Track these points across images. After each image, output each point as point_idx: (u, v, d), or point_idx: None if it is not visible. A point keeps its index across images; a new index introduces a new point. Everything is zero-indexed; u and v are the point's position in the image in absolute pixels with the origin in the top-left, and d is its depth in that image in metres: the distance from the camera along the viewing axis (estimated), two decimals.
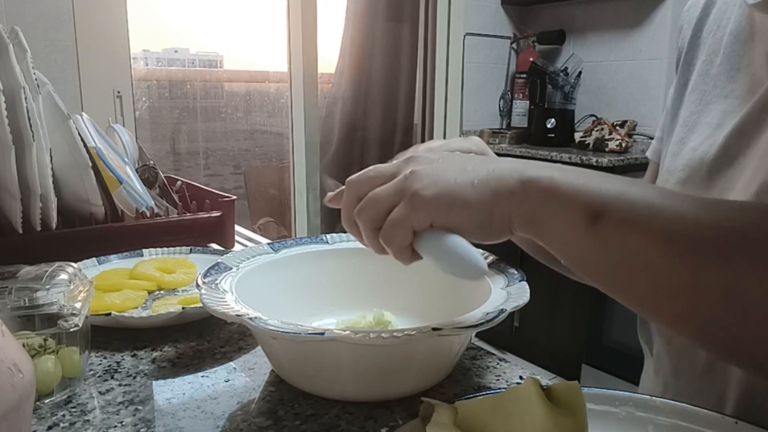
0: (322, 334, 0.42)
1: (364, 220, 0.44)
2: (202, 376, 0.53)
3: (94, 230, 0.85)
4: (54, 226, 0.81)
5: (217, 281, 0.53)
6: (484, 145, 0.53)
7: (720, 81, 0.56)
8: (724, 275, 0.35)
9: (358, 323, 0.60)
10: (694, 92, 0.59)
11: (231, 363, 0.56)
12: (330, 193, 0.49)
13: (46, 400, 0.49)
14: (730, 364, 0.50)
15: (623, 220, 0.38)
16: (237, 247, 0.97)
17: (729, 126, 0.52)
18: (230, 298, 0.49)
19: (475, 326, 0.44)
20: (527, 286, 0.52)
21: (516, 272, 0.55)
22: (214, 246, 0.93)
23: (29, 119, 0.75)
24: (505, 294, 0.51)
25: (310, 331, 0.42)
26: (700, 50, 0.60)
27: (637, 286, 0.39)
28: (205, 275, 0.54)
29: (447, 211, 0.42)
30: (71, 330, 0.49)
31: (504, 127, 2.89)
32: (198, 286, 0.51)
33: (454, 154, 0.46)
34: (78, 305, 0.50)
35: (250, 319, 0.44)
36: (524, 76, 2.73)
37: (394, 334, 0.42)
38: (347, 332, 0.42)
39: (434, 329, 0.43)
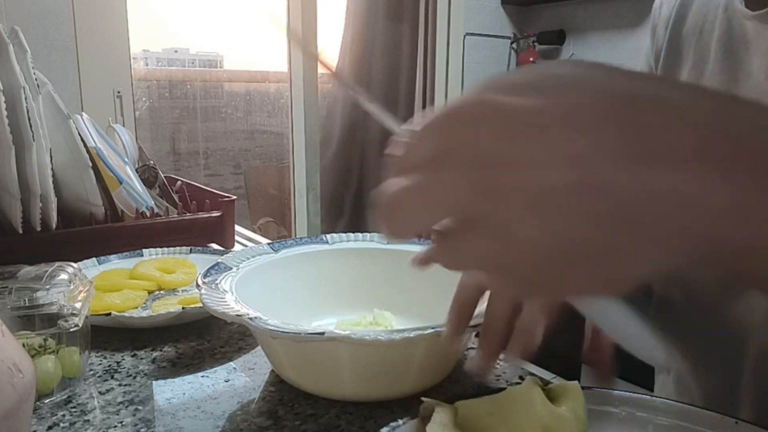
0: (322, 334, 0.42)
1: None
2: (202, 376, 0.54)
3: (94, 230, 0.85)
4: (54, 226, 0.81)
5: (217, 281, 0.53)
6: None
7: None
8: None
9: (358, 323, 0.60)
10: None
11: (231, 363, 0.56)
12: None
13: (46, 400, 0.49)
14: None
15: None
16: (237, 247, 0.97)
17: None
18: (230, 298, 0.49)
19: (475, 326, 0.44)
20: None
21: None
22: (214, 246, 0.93)
23: (29, 119, 0.75)
24: None
25: (310, 331, 0.42)
26: (683, 56, 0.57)
27: None
28: (205, 275, 0.54)
29: (584, 288, 0.27)
30: (71, 330, 0.49)
31: None
32: (198, 286, 0.51)
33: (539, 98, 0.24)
34: (78, 305, 0.50)
35: (250, 319, 0.44)
36: None
37: (394, 334, 0.42)
38: (347, 332, 0.42)
39: (434, 329, 0.43)
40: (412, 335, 0.42)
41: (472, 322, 0.45)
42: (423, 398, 0.39)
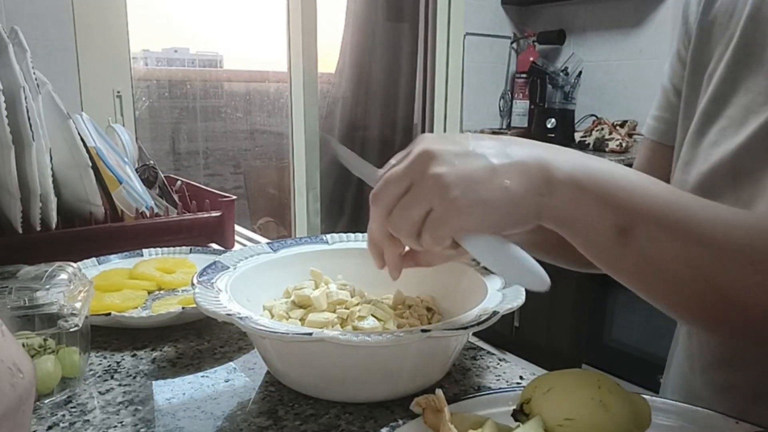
0: (310, 334, 0.42)
1: (400, 233, 0.44)
2: (202, 376, 0.53)
3: (94, 230, 0.85)
4: (54, 226, 0.81)
5: (213, 280, 0.53)
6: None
7: (739, 71, 0.52)
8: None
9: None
10: (713, 80, 0.54)
11: (231, 363, 0.56)
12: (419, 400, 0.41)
13: (46, 400, 0.49)
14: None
15: (652, 238, 0.40)
16: (237, 247, 0.97)
17: (754, 124, 0.49)
18: (224, 298, 0.49)
19: (465, 328, 0.44)
20: (523, 288, 0.51)
21: None
22: (214, 246, 0.93)
23: (29, 119, 0.75)
24: (501, 296, 0.51)
25: (297, 332, 0.42)
26: (714, 32, 0.55)
27: (666, 293, 0.42)
28: (201, 274, 0.54)
29: (485, 217, 0.41)
30: (71, 330, 0.49)
31: (504, 127, 2.89)
32: (193, 285, 0.51)
33: (469, 141, 0.43)
34: (78, 305, 0.50)
35: (240, 318, 0.44)
36: (524, 76, 2.73)
37: (383, 335, 0.42)
38: (335, 333, 0.42)
39: (423, 331, 0.43)
40: (400, 336, 0.42)
41: (462, 324, 0.45)
42: (416, 398, 0.39)
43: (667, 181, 0.60)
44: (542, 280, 0.41)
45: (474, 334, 0.47)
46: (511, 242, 0.42)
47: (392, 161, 0.45)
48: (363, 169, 0.50)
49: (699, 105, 0.56)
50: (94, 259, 0.77)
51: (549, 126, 2.58)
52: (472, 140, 0.43)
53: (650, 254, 0.41)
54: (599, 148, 2.40)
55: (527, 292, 0.51)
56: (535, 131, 2.64)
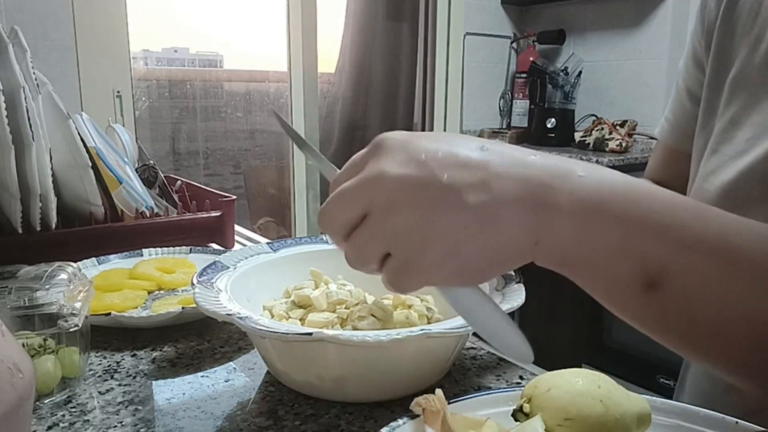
0: (310, 334, 0.42)
1: (358, 269, 0.37)
2: (202, 376, 0.54)
3: (94, 230, 0.85)
4: (54, 226, 0.81)
5: (213, 280, 0.53)
6: None
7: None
8: None
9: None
10: (740, 83, 0.52)
11: (231, 363, 0.56)
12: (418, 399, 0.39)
13: (46, 400, 0.49)
14: None
15: (687, 293, 0.32)
16: (237, 247, 0.97)
17: None
18: (224, 297, 0.49)
19: (465, 328, 0.44)
20: (523, 288, 0.51)
21: (513, 274, 0.55)
22: (214, 246, 0.93)
23: (29, 119, 0.75)
24: (501, 296, 0.51)
25: (297, 332, 0.42)
26: (737, 32, 0.52)
27: (700, 349, 0.35)
28: (201, 274, 0.54)
29: (457, 270, 0.35)
30: (71, 330, 0.49)
31: (504, 126, 2.89)
32: (193, 284, 0.51)
33: (443, 167, 0.34)
34: (78, 305, 0.50)
35: (240, 318, 0.44)
36: (524, 75, 2.73)
37: (382, 336, 0.42)
38: (335, 333, 0.42)
39: (423, 331, 0.43)
40: (400, 336, 0.42)
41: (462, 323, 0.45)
42: (416, 398, 0.39)
43: (684, 188, 0.57)
44: (527, 354, 0.36)
45: (474, 334, 0.47)
46: (493, 301, 0.37)
47: (356, 158, 0.37)
48: (318, 161, 0.42)
49: (721, 110, 0.53)
50: (94, 259, 0.77)
51: (549, 126, 2.58)
52: (446, 165, 0.34)
53: (690, 303, 0.33)
54: (599, 147, 2.40)
55: (527, 292, 0.51)
56: (535, 131, 2.64)
